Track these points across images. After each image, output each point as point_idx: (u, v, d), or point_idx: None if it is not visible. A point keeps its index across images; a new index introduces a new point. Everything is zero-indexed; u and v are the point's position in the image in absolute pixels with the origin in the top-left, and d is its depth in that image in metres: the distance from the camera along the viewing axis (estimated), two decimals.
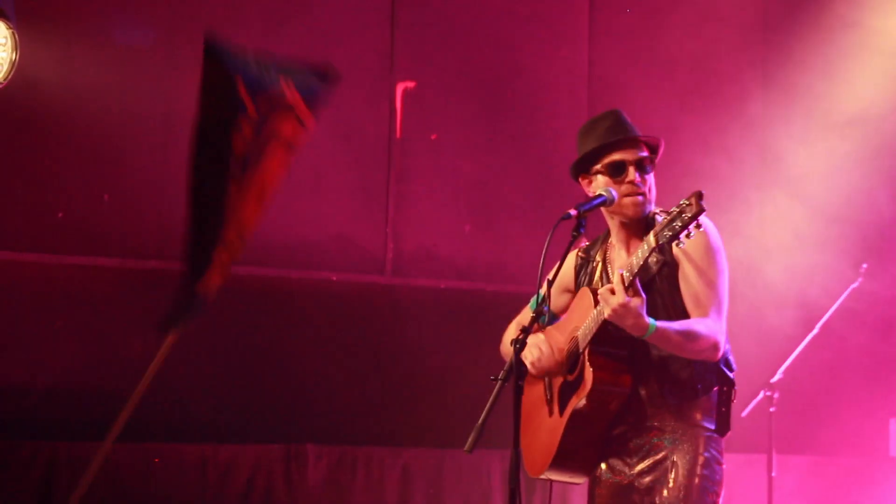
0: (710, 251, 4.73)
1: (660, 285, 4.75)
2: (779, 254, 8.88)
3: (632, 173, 4.81)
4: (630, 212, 4.82)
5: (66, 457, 7.34)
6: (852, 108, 8.95)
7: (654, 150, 4.89)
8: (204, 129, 4.63)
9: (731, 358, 4.85)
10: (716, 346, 4.66)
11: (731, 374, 4.82)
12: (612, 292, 4.51)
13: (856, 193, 8.96)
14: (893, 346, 8.85)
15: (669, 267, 4.75)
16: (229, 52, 4.67)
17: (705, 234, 4.69)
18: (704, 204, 4.37)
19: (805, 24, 9.11)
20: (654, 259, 4.74)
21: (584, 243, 5.14)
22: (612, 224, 4.94)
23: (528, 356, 4.88)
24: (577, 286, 5.02)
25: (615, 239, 4.95)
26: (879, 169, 8.98)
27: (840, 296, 7.77)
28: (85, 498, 7.26)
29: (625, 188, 4.81)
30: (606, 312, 4.54)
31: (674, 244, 4.57)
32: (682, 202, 4.42)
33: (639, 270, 4.53)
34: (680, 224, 4.37)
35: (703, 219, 4.64)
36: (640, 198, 4.81)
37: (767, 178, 9.20)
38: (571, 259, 5.09)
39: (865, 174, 8.98)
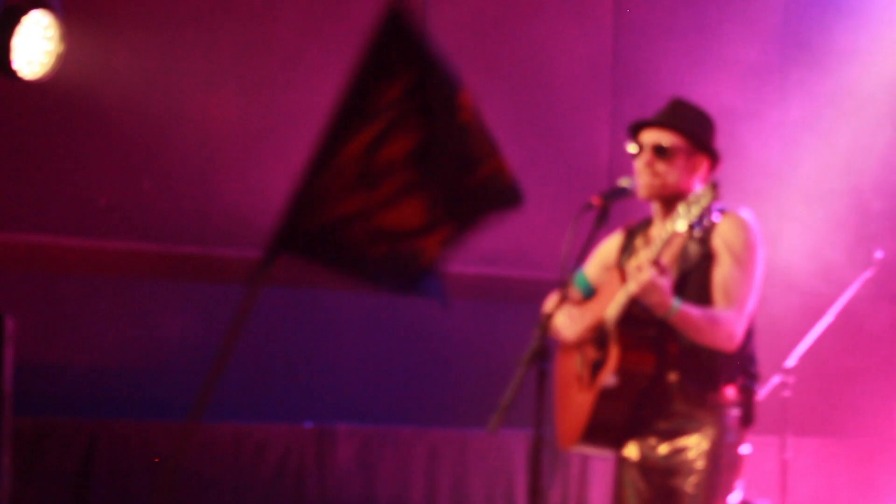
0: (748, 247, 4.82)
1: (696, 278, 4.85)
2: (795, 238, 8.88)
3: (645, 155, 4.93)
4: (639, 193, 4.95)
5: (106, 434, 7.44)
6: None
7: (698, 140, 4.95)
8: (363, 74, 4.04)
9: (755, 353, 4.96)
10: (731, 338, 4.75)
11: (752, 368, 4.92)
12: (640, 269, 4.63)
13: (873, 176, 9.00)
14: None
15: (708, 260, 4.85)
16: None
17: (747, 230, 4.84)
18: (718, 192, 4.48)
19: None
20: (696, 250, 4.85)
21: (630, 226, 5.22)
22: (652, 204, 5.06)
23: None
24: (620, 264, 5.10)
25: (655, 218, 5.05)
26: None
27: (854, 283, 7.79)
28: (119, 476, 7.41)
29: (638, 168, 4.95)
30: (632, 287, 4.65)
31: (714, 236, 4.77)
32: (697, 191, 4.55)
33: (663, 249, 4.64)
34: (696, 211, 4.48)
35: (746, 215, 4.87)
36: (647, 178, 4.91)
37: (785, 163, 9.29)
38: (617, 238, 5.18)
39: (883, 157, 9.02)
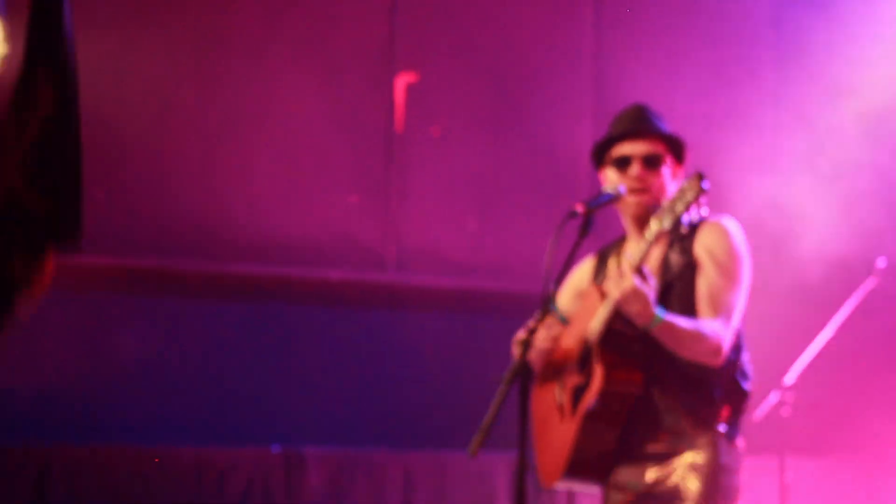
0: (734, 257, 4.64)
1: (679, 288, 4.66)
2: (794, 245, 8.75)
3: (635, 168, 4.73)
4: (631, 210, 4.76)
5: (58, 461, 7.29)
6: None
7: (676, 146, 4.80)
8: None
9: (748, 368, 4.76)
10: (718, 351, 4.55)
11: (745, 384, 4.74)
12: (622, 275, 4.44)
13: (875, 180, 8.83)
14: None
15: (691, 270, 4.66)
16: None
17: (730, 237, 4.66)
18: (705, 184, 4.33)
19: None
20: (678, 260, 4.68)
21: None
22: (625, 221, 4.86)
23: (541, 341, 4.75)
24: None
25: (629, 236, 4.87)
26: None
27: (855, 294, 7.60)
28: (79, 501, 7.26)
29: (627, 182, 4.74)
30: (614, 294, 4.46)
31: (696, 245, 4.61)
32: (682, 184, 4.39)
33: (648, 252, 4.48)
34: (681, 206, 4.34)
35: (728, 222, 4.69)
36: (639, 195, 4.72)
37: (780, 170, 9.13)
38: (589, 264, 5.02)
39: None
